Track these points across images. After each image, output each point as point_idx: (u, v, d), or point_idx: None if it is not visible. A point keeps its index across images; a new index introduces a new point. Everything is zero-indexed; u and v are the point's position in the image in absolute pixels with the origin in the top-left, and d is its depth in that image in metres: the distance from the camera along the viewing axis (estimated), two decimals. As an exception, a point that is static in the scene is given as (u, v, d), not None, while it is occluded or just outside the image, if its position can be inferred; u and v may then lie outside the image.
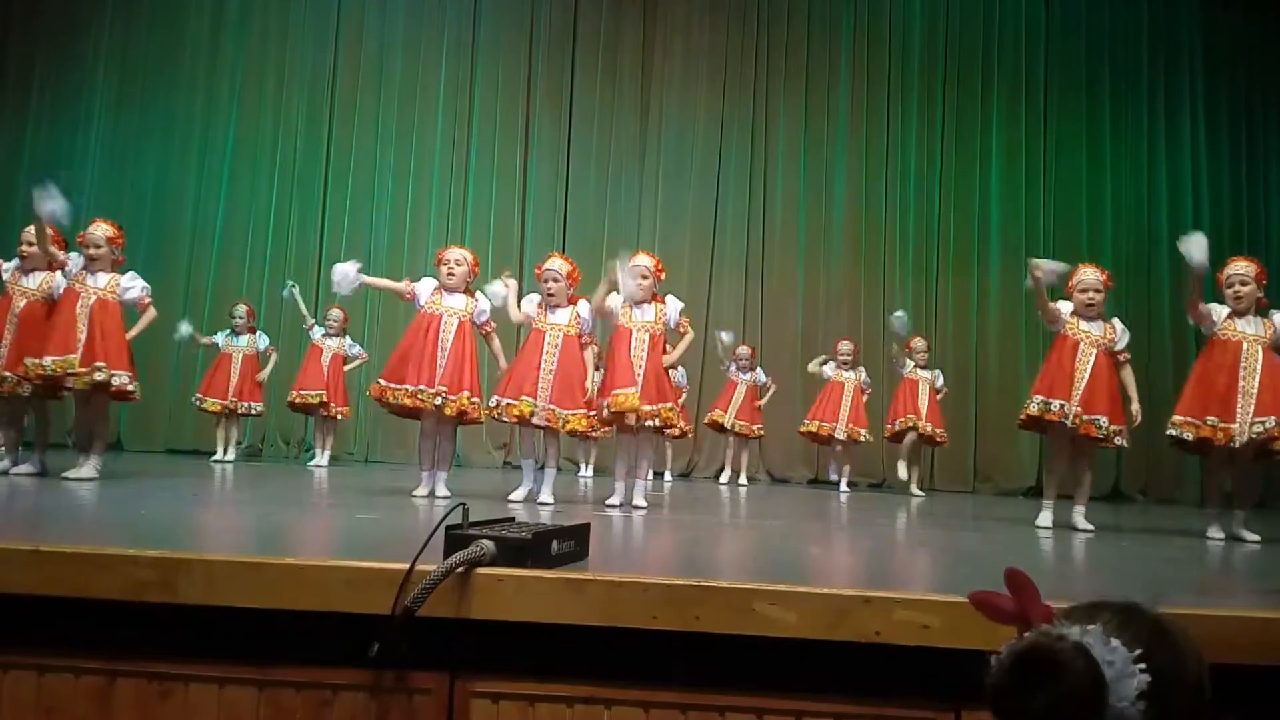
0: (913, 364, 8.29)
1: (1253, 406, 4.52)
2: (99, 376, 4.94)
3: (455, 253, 5.26)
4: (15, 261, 5.38)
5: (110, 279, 5.18)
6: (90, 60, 10.56)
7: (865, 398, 8.56)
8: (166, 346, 9.71)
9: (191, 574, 2.13)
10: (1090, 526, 4.88)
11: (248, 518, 3.90)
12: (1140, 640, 1.07)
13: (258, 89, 10.60)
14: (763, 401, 9.05)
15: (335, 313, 8.36)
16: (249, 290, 9.99)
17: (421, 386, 4.91)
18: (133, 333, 5.30)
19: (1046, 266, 4.96)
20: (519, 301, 5.27)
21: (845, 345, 8.61)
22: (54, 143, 10.46)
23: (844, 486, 8.48)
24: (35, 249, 5.25)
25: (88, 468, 5.01)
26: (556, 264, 5.24)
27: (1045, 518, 5.03)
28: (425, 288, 5.14)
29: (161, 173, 10.44)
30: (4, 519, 3.49)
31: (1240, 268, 4.83)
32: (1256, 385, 4.56)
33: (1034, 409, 4.98)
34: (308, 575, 2.14)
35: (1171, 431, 4.74)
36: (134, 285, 5.22)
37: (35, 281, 5.34)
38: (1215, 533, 4.68)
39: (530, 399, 4.96)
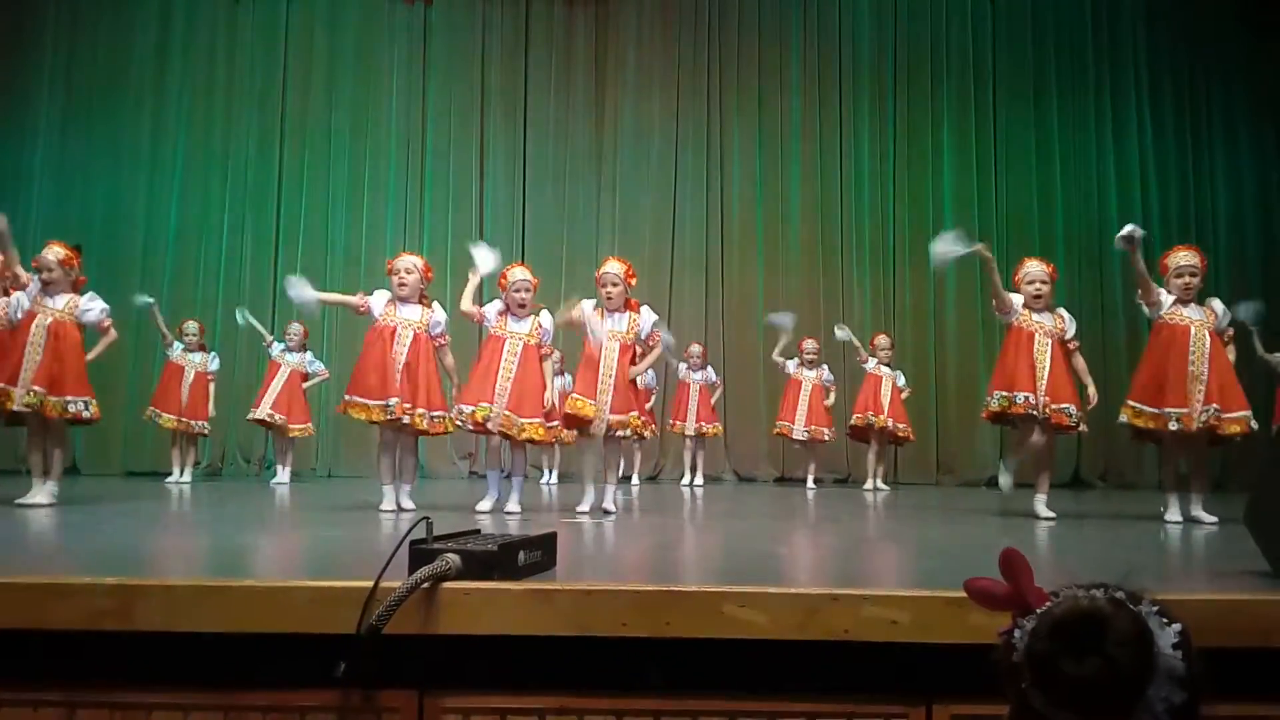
0: (876, 360, 8.36)
1: (1202, 392, 4.61)
2: (29, 399, 4.82)
3: (405, 261, 5.20)
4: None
5: (69, 300, 5.08)
6: (35, 79, 10.35)
7: (829, 395, 8.60)
8: (122, 367, 9.56)
9: (150, 600, 2.09)
10: (1053, 514, 4.93)
11: (208, 539, 3.83)
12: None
13: (206, 105, 10.45)
14: (714, 400, 9.06)
15: (295, 327, 8.26)
16: (204, 307, 9.84)
17: (377, 401, 4.87)
18: (92, 355, 5.23)
19: (938, 250, 4.95)
20: (480, 290, 5.21)
21: (810, 344, 8.65)
22: (0, 163, 10.22)
23: (810, 483, 8.52)
24: (54, 275, 5.10)
25: (43, 493, 4.91)
26: (525, 275, 5.19)
27: (1006, 479, 5.21)
28: (379, 300, 5.09)
29: (111, 191, 10.25)
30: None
31: (1188, 259, 4.91)
32: (1206, 370, 4.65)
33: (996, 404, 5.02)
34: (270, 597, 2.11)
35: (1123, 419, 4.83)
36: (93, 307, 5.13)
37: (62, 302, 5.15)
38: (1173, 515, 4.75)
39: (487, 404, 4.93)
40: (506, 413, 4.93)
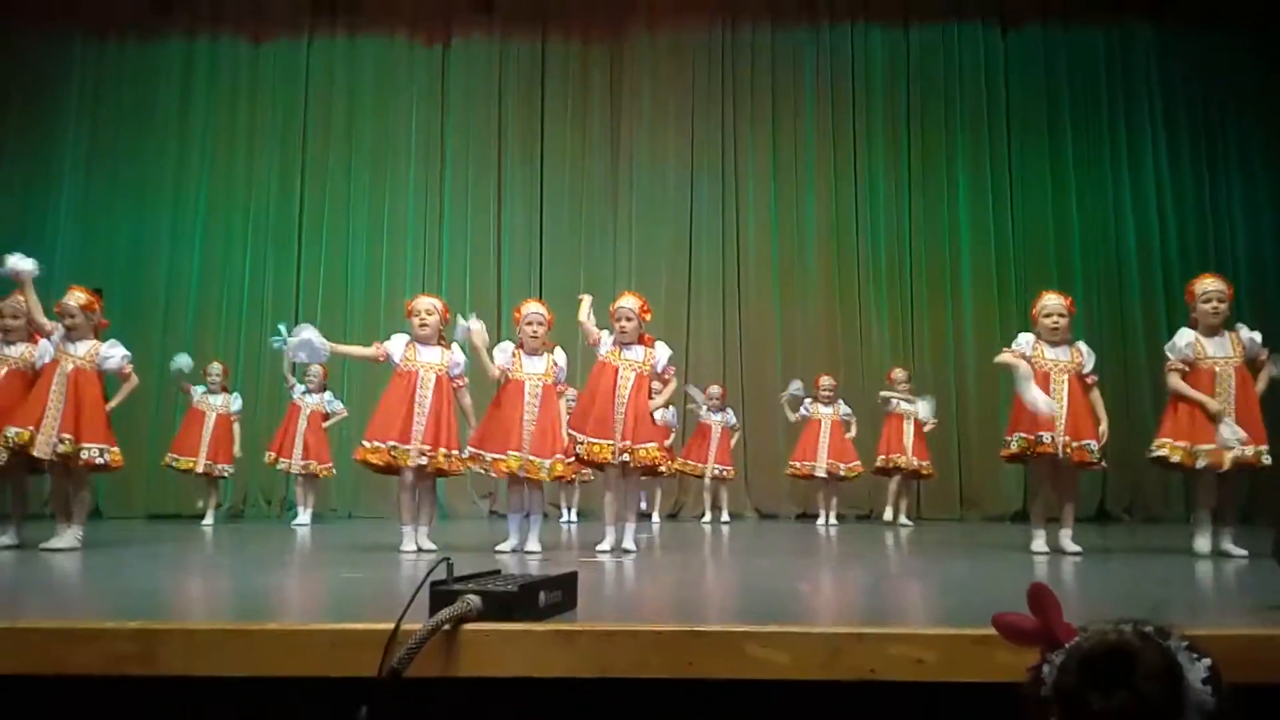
0: (897, 400, 8.32)
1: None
2: (63, 449, 4.86)
3: (425, 302, 5.24)
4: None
5: (90, 347, 5.11)
6: (61, 121, 10.51)
7: (850, 431, 8.54)
8: (144, 411, 9.62)
9: (172, 644, 2.09)
10: (1078, 548, 4.87)
11: (230, 582, 3.84)
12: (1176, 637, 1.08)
13: (229, 146, 10.60)
14: (733, 442, 9.02)
15: (315, 369, 8.32)
16: (225, 350, 9.93)
17: (397, 444, 4.89)
18: (114, 402, 5.22)
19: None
20: (490, 354, 5.20)
21: (826, 380, 8.60)
22: (24, 206, 10.38)
23: (831, 520, 8.44)
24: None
25: (67, 537, 4.92)
26: (539, 309, 5.22)
27: (1039, 543, 5.00)
28: (397, 345, 5.11)
29: (135, 232, 10.39)
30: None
31: (1215, 285, 4.88)
32: (1233, 408, 4.61)
33: (1015, 446, 4.96)
34: (292, 640, 2.11)
35: (1158, 453, 4.77)
36: (114, 354, 5.15)
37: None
38: (1202, 547, 4.68)
39: (517, 453, 4.94)
40: (531, 458, 4.93)
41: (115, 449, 5.12)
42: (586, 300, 5.19)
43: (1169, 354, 4.90)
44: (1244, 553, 4.59)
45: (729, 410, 9.06)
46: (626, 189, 10.63)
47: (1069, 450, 4.85)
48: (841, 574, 4.35)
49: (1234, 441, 4.53)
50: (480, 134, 10.67)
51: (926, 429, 8.33)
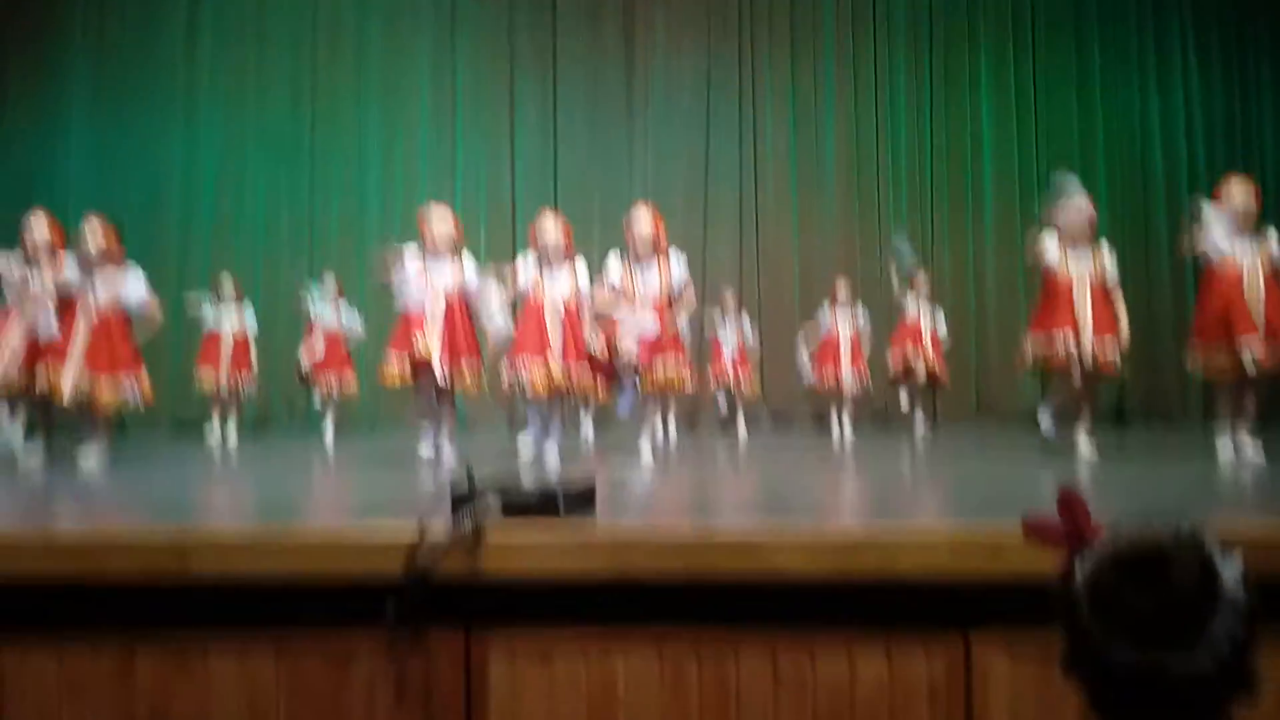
0: (915, 298, 8.28)
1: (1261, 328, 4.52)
2: (84, 387, 4.90)
3: (435, 213, 5.20)
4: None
5: (109, 281, 5.12)
6: (65, 60, 10.33)
7: (865, 338, 8.53)
8: (166, 328, 9.70)
9: (204, 550, 2.16)
10: (1094, 450, 4.87)
11: (258, 490, 3.93)
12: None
13: (238, 61, 10.44)
14: (747, 352, 8.95)
15: (329, 283, 8.35)
16: (243, 267, 9.95)
17: (416, 355, 4.91)
18: (138, 337, 5.25)
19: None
20: (514, 281, 5.21)
21: (843, 284, 8.56)
22: (34, 131, 10.28)
23: (847, 426, 8.45)
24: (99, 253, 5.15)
25: (96, 450, 5.01)
26: (551, 224, 5.18)
27: (1046, 422, 5.04)
28: (409, 263, 5.07)
29: (146, 168, 10.26)
30: (15, 505, 3.52)
31: (1241, 189, 4.77)
32: (1262, 307, 4.55)
33: (1035, 352, 4.90)
34: (320, 543, 2.17)
35: (1194, 366, 4.74)
36: (135, 291, 5.17)
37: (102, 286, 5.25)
38: (1226, 450, 4.66)
39: (544, 364, 4.94)
40: (560, 369, 4.95)
41: (144, 378, 5.14)
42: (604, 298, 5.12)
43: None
44: (1260, 454, 4.59)
45: (745, 321, 9.01)
46: (641, 106, 10.45)
47: (1092, 356, 4.80)
48: (857, 477, 4.41)
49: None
50: (492, 52, 10.47)
51: (944, 348, 8.31)
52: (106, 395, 4.98)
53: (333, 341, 8.27)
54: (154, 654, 2.18)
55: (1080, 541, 1.12)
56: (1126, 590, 1.03)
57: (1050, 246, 4.99)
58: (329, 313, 8.30)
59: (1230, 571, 1.05)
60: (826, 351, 8.39)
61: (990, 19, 10.32)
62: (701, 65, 10.43)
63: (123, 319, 5.15)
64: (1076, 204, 5.00)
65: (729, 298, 8.95)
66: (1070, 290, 4.87)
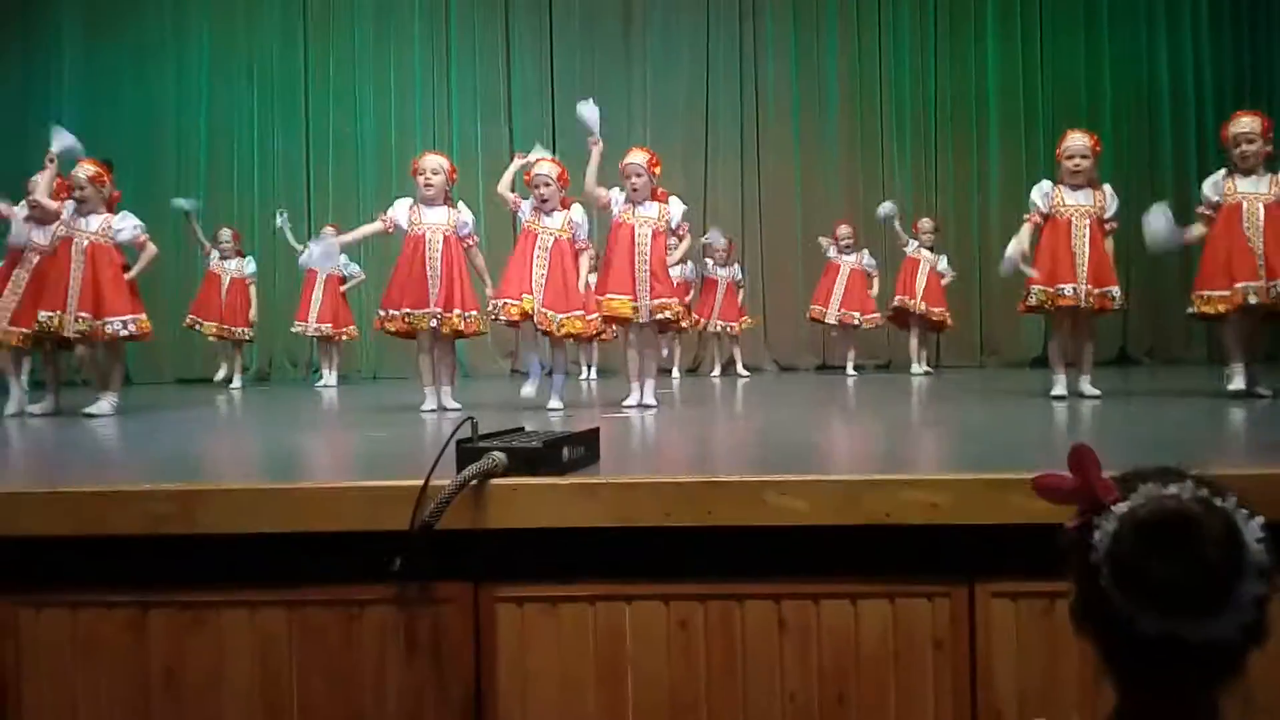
0: (917, 243, 8.23)
1: (1263, 268, 4.47)
2: (79, 327, 4.84)
3: (431, 160, 5.07)
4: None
5: (102, 221, 5.04)
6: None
7: (873, 283, 8.49)
8: (165, 275, 9.67)
9: (210, 504, 2.17)
10: (1097, 392, 4.84)
11: (262, 444, 3.94)
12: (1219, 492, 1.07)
13: (229, 5, 10.29)
14: (740, 298, 8.91)
15: (327, 230, 8.29)
16: (240, 213, 9.91)
17: (411, 310, 4.86)
18: (133, 273, 5.16)
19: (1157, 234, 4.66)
20: (512, 183, 5.24)
21: (844, 229, 8.51)
22: (26, 77, 10.20)
23: (850, 370, 8.47)
24: (84, 192, 5.04)
25: (104, 404, 4.99)
26: (546, 168, 5.15)
27: (1058, 388, 4.91)
28: (402, 211, 5.00)
29: (139, 100, 10.21)
30: (21, 460, 3.54)
31: (1247, 124, 4.68)
32: (1261, 244, 4.51)
33: (1035, 299, 4.82)
34: (325, 497, 2.18)
35: (1192, 309, 4.70)
36: (125, 225, 5.08)
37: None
38: (1238, 385, 4.60)
39: (529, 295, 4.91)
40: (544, 309, 4.95)
41: (142, 317, 5.08)
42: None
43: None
44: (1269, 393, 4.58)
45: (737, 265, 8.94)
46: (639, 39, 10.29)
47: (1090, 299, 4.76)
48: (859, 423, 4.42)
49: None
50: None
51: (944, 282, 8.28)
52: (106, 330, 4.91)
53: (330, 289, 8.23)
54: (166, 611, 2.20)
55: (1092, 499, 1.12)
56: (1153, 561, 1.02)
57: (1042, 196, 4.90)
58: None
59: (1252, 534, 1.04)
60: (824, 286, 8.37)
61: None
62: (700, 9, 10.24)
63: (117, 258, 5.08)
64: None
65: (722, 243, 8.84)
66: (1070, 231, 4.81)
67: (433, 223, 4.97)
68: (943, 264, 8.32)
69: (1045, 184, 4.96)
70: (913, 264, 8.20)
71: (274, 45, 10.29)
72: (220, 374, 8.19)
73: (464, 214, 5.08)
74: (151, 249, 5.25)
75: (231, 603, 2.20)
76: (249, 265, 8.28)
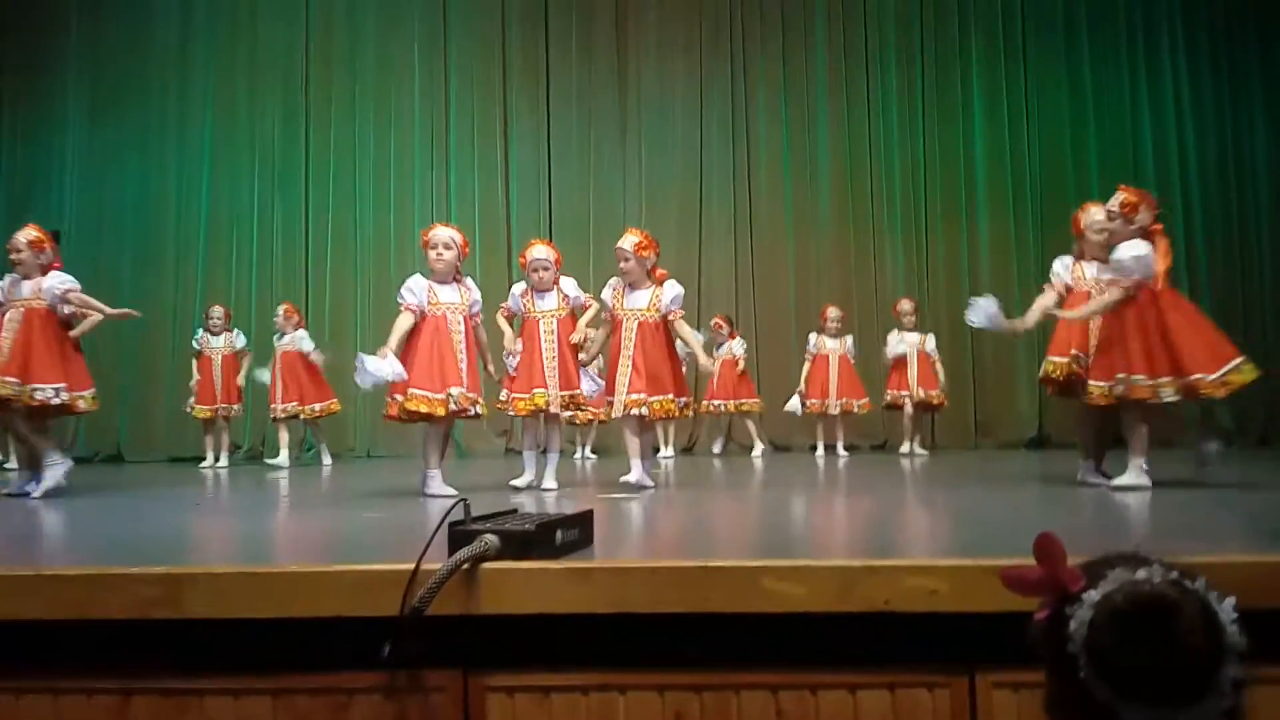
0: (899, 333, 8.30)
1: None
2: (3, 391, 4.71)
3: (443, 234, 4.80)
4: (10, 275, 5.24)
5: (34, 285, 4.99)
6: (60, 68, 10.44)
7: (853, 362, 8.51)
8: (162, 354, 9.72)
9: (197, 588, 2.13)
10: (1147, 482, 4.21)
11: (250, 525, 3.89)
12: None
13: (230, 86, 10.49)
14: (740, 367, 8.88)
15: (280, 310, 8.31)
16: (237, 292, 9.98)
17: (438, 394, 4.54)
18: (76, 331, 5.12)
19: (983, 310, 4.62)
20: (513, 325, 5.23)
21: (833, 311, 8.55)
22: (30, 156, 10.38)
23: (841, 450, 8.43)
24: (21, 255, 5.02)
25: (48, 478, 4.83)
26: (543, 252, 5.15)
27: (1088, 474, 4.60)
28: (419, 292, 4.67)
29: (141, 178, 10.36)
30: (2, 540, 3.48)
31: (1100, 213, 4.59)
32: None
33: (1056, 371, 4.66)
34: (314, 581, 2.14)
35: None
36: (55, 284, 5.00)
37: (28, 289, 5.07)
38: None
39: (543, 390, 4.92)
40: (562, 393, 4.95)
41: (81, 391, 4.95)
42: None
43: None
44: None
45: (736, 340, 8.96)
46: (635, 119, 10.49)
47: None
48: (855, 505, 4.38)
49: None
50: (484, 65, 10.52)
51: (935, 363, 8.31)
52: (35, 397, 4.76)
53: (295, 367, 8.12)
54: (149, 698, 2.15)
55: (1058, 589, 1.10)
56: (1134, 649, 1.01)
57: (1063, 270, 4.83)
58: (283, 339, 8.18)
59: (1226, 614, 1.03)
60: (816, 377, 8.39)
61: (981, 29, 10.37)
62: (694, 80, 10.47)
63: (53, 324, 4.99)
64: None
65: (722, 322, 8.96)
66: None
67: (449, 302, 4.72)
68: (930, 344, 8.35)
69: (1066, 258, 4.89)
70: (901, 359, 8.25)
71: (275, 126, 10.46)
72: (220, 458, 8.11)
73: (474, 291, 4.87)
74: (96, 313, 5.14)
75: (216, 690, 2.15)
76: (239, 339, 8.25)
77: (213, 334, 8.15)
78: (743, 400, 8.87)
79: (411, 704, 2.12)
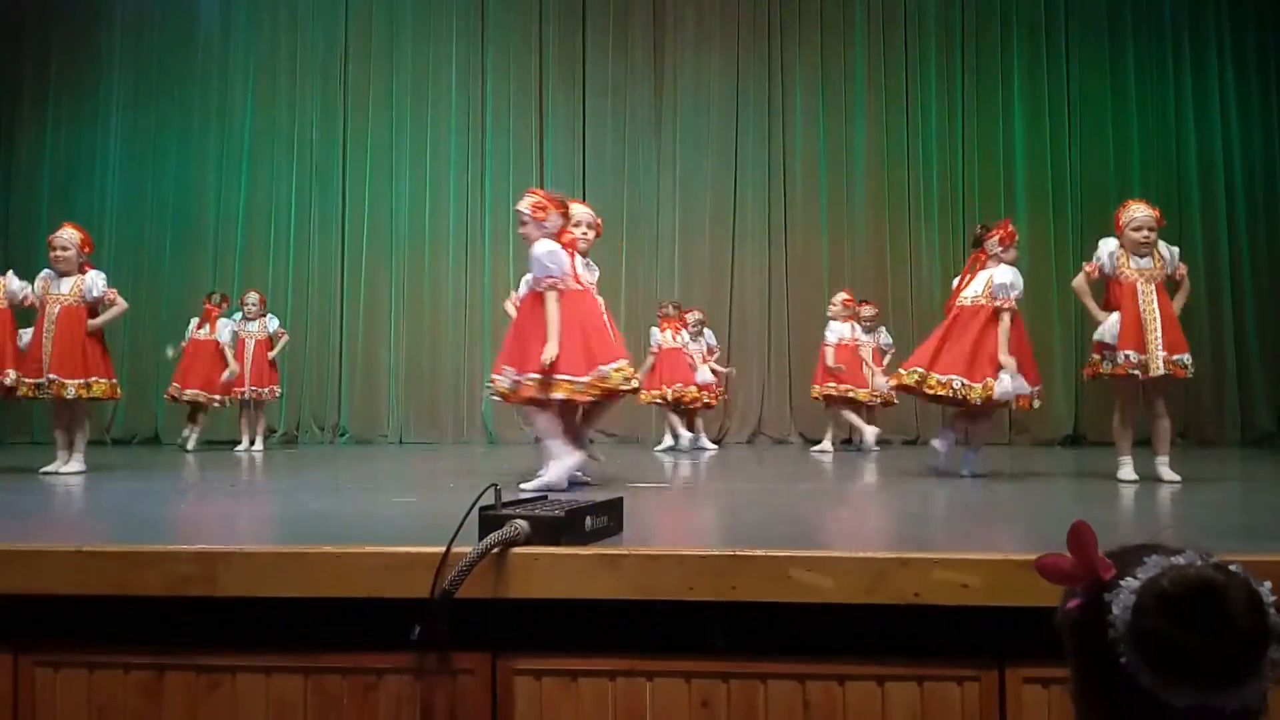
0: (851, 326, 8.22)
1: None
2: (69, 394, 5.13)
3: (584, 212, 4.46)
4: (46, 271, 5.43)
5: (74, 284, 5.29)
6: (105, 60, 10.60)
7: (886, 359, 8.43)
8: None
9: (232, 567, 2.16)
10: (1177, 476, 4.45)
11: (285, 507, 3.94)
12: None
13: (271, 78, 10.60)
14: (712, 363, 8.71)
15: (252, 296, 8.40)
16: (275, 281, 10.10)
17: (609, 366, 4.13)
18: (97, 322, 5.34)
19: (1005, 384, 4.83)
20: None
21: (867, 310, 8.48)
22: (74, 145, 10.54)
23: (873, 444, 8.31)
24: (67, 253, 5.31)
25: (73, 463, 5.20)
26: (588, 215, 4.56)
27: (1126, 470, 4.61)
28: (564, 262, 4.20)
29: (182, 167, 10.51)
30: (44, 520, 3.55)
31: (1144, 211, 4.73)
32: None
33: (1106, 367, 4.63)
34: (346, 563, 2.16)
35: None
36: (96, 283, 5.32)
37: (68, 287, 5.35)
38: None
39: (624, 361, 4.23)
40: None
41: (105, 380, 5.29)
42: None
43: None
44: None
45: (708, 331, 8.72)
46: (670, 116, 10.46)
47: (1169, 366, 4.50)
48: (886, 499, 4.36)
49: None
50: (521, 61, 10.53)
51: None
52: (67, 394, 5.13)
53: (259, 352, 8.22)
54: (182, 674, 2.18)
55: (1091, 578, 1.10)
56: (1184, 632, 1.01)
57: (1108, 253, 4.78)
58: (252, 325, 8.29)
59: (1268, 598, 1.03)
60: (849, 367, 8.27)
61: (1024, 31, 10.24)
62: (730, 78, 10.40)
63: (85, 318, 5.29)
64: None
65: (692, 315, 8.55)
66: (1136, 298, 4.65)
67: (588, 280, 4.37)
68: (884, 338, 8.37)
69: (1112, 241, 4.78)
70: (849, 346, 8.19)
71: (314, 116, 10.56)
72: (242, 444, 8.20)
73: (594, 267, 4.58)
74: (121, 304, 5.47)
75: (247, 667, 2.18)
76: (272, 322, 8.37)
77: (249, 319, 8.26)
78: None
79: (440, 685, 2.13)
